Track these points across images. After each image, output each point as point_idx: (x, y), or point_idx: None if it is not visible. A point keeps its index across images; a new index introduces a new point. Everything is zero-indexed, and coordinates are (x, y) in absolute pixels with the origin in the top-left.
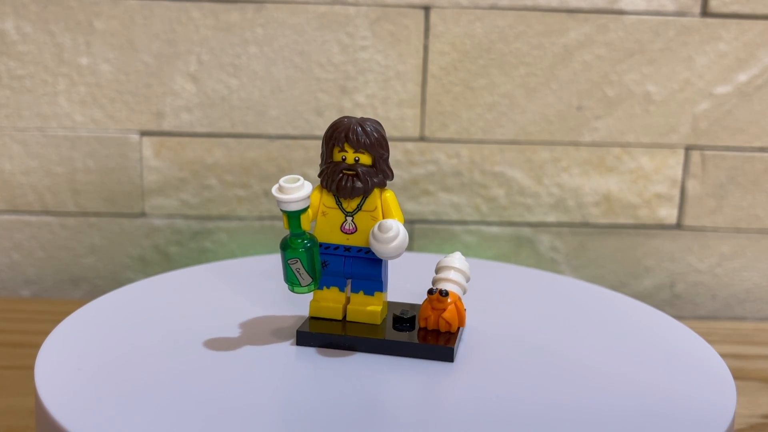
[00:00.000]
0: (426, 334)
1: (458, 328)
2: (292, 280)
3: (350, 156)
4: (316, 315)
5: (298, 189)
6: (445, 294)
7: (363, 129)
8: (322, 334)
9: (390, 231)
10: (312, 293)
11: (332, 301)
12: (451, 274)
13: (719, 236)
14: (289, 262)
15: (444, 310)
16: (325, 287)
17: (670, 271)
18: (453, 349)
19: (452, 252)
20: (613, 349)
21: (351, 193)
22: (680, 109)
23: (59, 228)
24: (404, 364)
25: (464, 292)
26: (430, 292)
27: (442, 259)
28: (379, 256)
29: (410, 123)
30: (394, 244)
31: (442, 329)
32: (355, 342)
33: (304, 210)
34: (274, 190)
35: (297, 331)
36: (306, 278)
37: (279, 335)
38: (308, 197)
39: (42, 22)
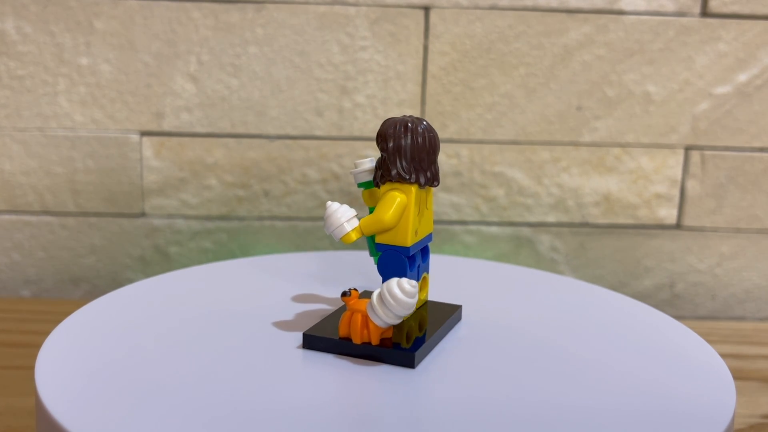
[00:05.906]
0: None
1: (371, 342)
2: None
3: None
4: None
5: (359, 165)
6: (342, 293)
7: (380, 129)
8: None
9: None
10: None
11: None
12: (373, 293)
13: (719, 236)
14: None
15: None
16: None
17: (669, 271)
18: (307, 337)
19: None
20: (612, 349)
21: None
22: (680, 109)
23: (59, 228)
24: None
25: (384, 324)
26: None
27: (402, 280)
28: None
29: None
30: (325, 222)
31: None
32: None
33: (366, 184)
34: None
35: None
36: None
37: (279, 334)
38: (367, 172)
39: (42, 23)
